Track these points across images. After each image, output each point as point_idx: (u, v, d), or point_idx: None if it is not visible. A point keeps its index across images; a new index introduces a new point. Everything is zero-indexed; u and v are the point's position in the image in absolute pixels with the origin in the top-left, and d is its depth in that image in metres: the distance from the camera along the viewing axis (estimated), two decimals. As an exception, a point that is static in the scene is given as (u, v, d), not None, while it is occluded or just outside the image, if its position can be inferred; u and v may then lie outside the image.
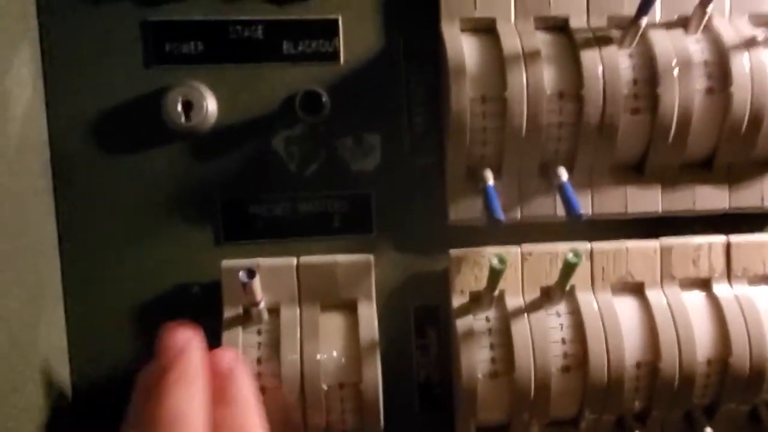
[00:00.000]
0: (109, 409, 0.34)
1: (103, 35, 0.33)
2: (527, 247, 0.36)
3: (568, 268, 0.33)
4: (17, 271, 0.30)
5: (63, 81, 0.33)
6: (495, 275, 0.33)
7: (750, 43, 0.35)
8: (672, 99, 0.34)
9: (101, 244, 0.34)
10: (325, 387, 0.33)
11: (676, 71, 0.34)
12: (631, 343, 0.36)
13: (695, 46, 0.35)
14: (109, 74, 0.33)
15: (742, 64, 0.34)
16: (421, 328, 0.37)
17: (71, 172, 0.34)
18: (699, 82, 0.34)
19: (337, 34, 0.35)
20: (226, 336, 0.34)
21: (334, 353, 0.34)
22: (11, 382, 0.29)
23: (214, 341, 0.34)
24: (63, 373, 0.34)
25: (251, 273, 0.31)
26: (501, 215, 0.33)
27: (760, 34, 0.35)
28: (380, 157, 0.36)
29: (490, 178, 0.34)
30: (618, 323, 0.35)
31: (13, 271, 0.30)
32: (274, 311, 0.35)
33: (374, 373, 0.34)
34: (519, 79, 0.33)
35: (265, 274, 0.34)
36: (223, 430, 0.28)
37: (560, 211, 0.36)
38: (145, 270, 0.35)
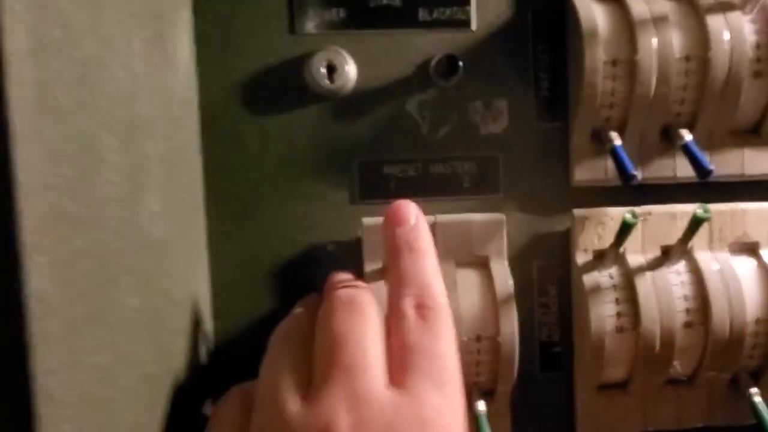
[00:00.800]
0: (247, 364, 0.36)
1: (252, 3, 0.35)
2: (647, 208, 0.38)
3: (697, 223, 0.34)
4: (180, 226, 0.32)
5: (213, 45, 0.35)
6: (626, 228, 0.34)
7: None
8: (795, 62, 0.35)
9: (243, 201, 0.36)
10: (465, 339, 0.35)
11: (799, 35, 0.35)
12: (750, 300, 0.37)
13: (814, 12, 0.37)
14: (256, 39, 0.35)
15: None
16: (543, 287, 0.39)
17: (218, 131, 0.35)
18: (819, 46, 0.36)
19: (469, 2, 0.36)
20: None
21: (473, 307, 0.35)
22: (175, 327, 0.31)
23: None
24: (208, 326, 0.36)
25: None
26: (634, 172, 0.34)
27: None
28: (508, 120, 0.37)
29: (617, 138, 0.36)
30: (738, 280, 0.37)
31: (178, 225, 0.31)
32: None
33: (512, 326, 0.35)
34: (649, 43, 0.35)
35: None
36: (406, 274, 0.30)
37: (679, 172, 0.38)
38: (285, 228, 0.36)
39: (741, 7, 0.36)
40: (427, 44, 0.36)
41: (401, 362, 0.28)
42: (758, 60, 0.36)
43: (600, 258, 0.37)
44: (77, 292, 0.21)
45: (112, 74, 0.24)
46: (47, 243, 0.19)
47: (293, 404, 0.26)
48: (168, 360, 0.29)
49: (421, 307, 0.29)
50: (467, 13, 0.36)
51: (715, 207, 0.38)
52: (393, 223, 0.32)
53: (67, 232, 0.20)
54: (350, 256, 0.36)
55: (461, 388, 0.28)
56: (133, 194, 0.25)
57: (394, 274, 0.31)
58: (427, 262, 0.31)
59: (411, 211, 0.32)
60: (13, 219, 0.17)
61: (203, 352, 0.35)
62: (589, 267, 0.37)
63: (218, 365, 0.36)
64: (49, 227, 0.19)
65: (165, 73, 0.30)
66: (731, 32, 0.35)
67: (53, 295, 0.19)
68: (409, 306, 0.29)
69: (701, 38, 0.35)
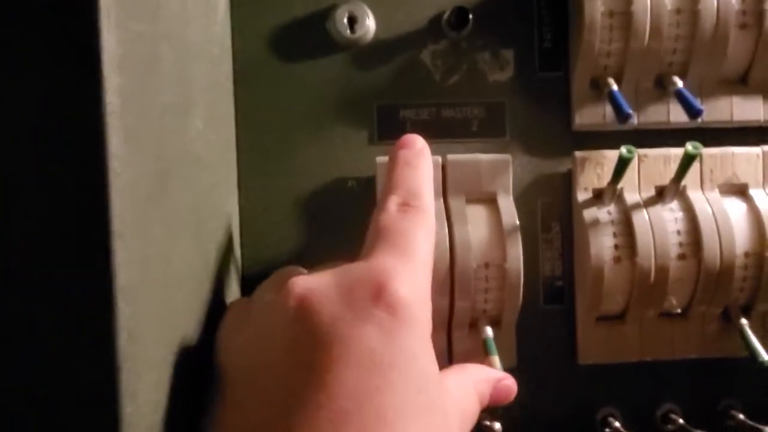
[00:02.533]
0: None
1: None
2: (643, 150, 0.41)
3: (688, 159, 0.37)
4: (217, 151, 0.35)
5: (244, 3, 0.39)
6: (623, 164, 0.37)
7: None
8: (777, 14, 0.39)
9: (271, 140, 0.39)
10: (474, 265, 0.38)
11: (779, -10, 0.39)
12: (739, 236, 0.40)
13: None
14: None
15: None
16: (546, 224, 0.42)
17: (249, 76, 0.39)
18: (800, 0, 0.39)
19: (478, -41, 0.40)
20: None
21: (481, 238, 0.38)
22: (216, 239, 0.34)
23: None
24: (237, 253, 0.39)
25: None
26: (630, 111, 0.37)
27: None
28: (514, 69, 0.40)
29: (614, 84, 0.39)
30: (727, 216, 0.40)
31: (216, 149, 0.35)
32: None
33: (517, 254, 0.38)
34: (642, -5, 0.38)
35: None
36: (398, 180, 0.32)
37: (673, 117, 0.41)
38: (308, 165, 0.40)
39: (728, -36, 0.39)
40: (439, -2, 0.40)
41: (372, 242, 0.29)
42: (744, 12, 0.39)
43: (599, 196, 0.40)
44: (146, 187, 0.24)
45: (170, 6, 0.27)
46: (119, 130, 0.22)
47: None
48: (208, 266, 0.33)
49: (405, 205, 0.30)
50: (477, -29, 0.40)
51: (706, 151, 0.41)
52: (398, 146, 0.34)
53: (135, 127, 0.23)
54: (368, 191, 0.40)
55: (429, 278, 0.29)
56: (185, 107, 0.29)
57: (387, 182, 0.32)
58: (421, 174, 0.32)
59: (418, 140, 0.34)
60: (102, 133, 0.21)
61: (233, 276, 0.38)
62: (589, 204, 0.40)
63: (246, 290, 0.39)
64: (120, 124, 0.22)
65: (207, 13, 0.33)
66: (718, -15, 0.38)
67: (124, 167, 0.22)
68: (393, 203, 0.30)
69: (690, -8, 0.39)
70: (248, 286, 0.40)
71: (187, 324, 0.29)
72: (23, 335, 0.21)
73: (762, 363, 0.39)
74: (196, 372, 0.29)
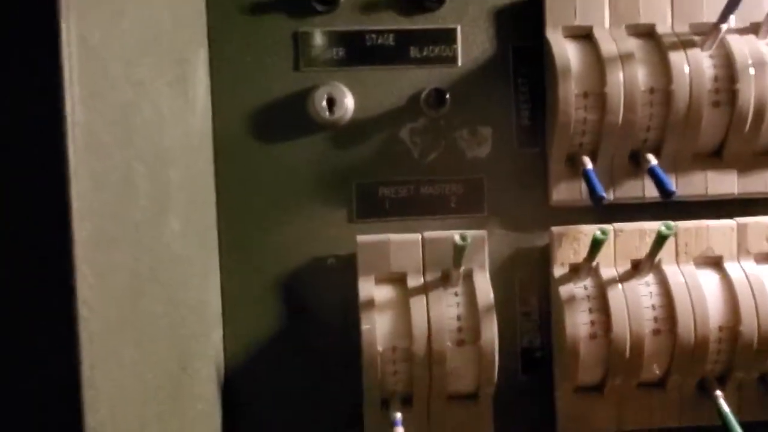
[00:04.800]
0: (257, 370, 0.40)
1: (260, 43, 0.39)
2: (618, 225, 0.41)
3: (661, 239, 0.38)
4: (196, 242, 0.36)
5: (226, 81, 0.39)
6: (597, 245, 0.38)
7: (815, 46, 0.40)
8: (749, 93, 0.39)
9: (252, 220, 0.40)
10: (449, 344, 0.38)
11: (751, 70, 0.39)
12: (713, 310, 0.40)
13: (767, 48, 0.40)
14: (263, 75, 0.39)
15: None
16: (524, 298, 0.42)
17: (230, 157, 0.40)
18: (771, 79, 0.40)
19: (455, 41, 0.40)
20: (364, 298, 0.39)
21: (457, 315, 0.39)
22: (192, 332, 0.35)
23: (348, 304, 0.40)
24: (218, 332, 0.39)
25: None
26: (603, 193, 0.38)
27: (823, 37, 0.40)
28: (491, 146, 0.41)
29: (589, 163, 0.40)
30: (702, 291, 0.40)
31: (194, 242, 0.35)
32: (401, 280, 0.40)
33: (492, 332, 0.39)
34: (617, 77, 0.39)
35: (395, 247, 0.40)
36: None
37: (648, 192, 0.41)
38: (288, 244, 0.40)
39: (700, 45, 0.40)
40: (418, 78, 0.40)
41: None
42: (716, 91, 0.39)
43: (576, 271, 0.41)
44: (114, 298, 0.25)
45: (143, 114, 0.28)
46: (92, 257, 0.23)
47: None
48: (185, 359, 0.33)
49: None
50: (454, 51, 0.40)
51: (681, 224, 0.42)
52: None
53: (108, 248, 0.24)
54: (348, 269, 0.40)
55: None
56: (159, 216, 0.29)
57: None
58: None
59: None
60: (68, 237, 0.21)
61: (214, 354, 0.39)
62: (566, 279, 0.41)
63: (229, 367, 0.40)
64: (93, 244, 0.23)
65: (185, 109, 0.34)
66: (691, 67, 0.39)
67: (95, 301, 0.23)
68: None
69: (664, 72, 0.39)
70: (230, 366, 0.40)
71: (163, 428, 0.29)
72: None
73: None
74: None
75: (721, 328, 0.40)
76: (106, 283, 0.24)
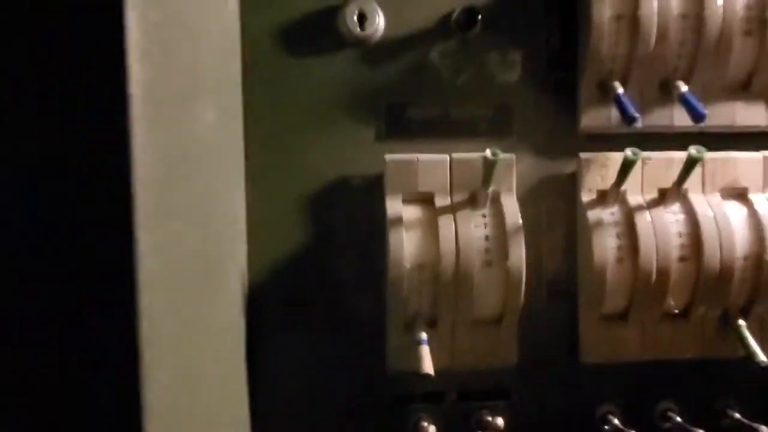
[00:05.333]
0: (279, 291, 0.39)
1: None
2: (646, 153, 0.41)
3: (692, 163, 0.38)
4: (226, 152, 0.35)
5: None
6: (627, 166, 0.38)
7: None
8: (780, 22, 0.39)
9: (279, 137, 0.39)
10: (477, 264, 0.38)
11: (784, -2, 0.39)
12: (738, 239, 0.40)
13: (799, -22, 0.40)
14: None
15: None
16: (551, 224, 0.42)
17: (258, 71, 0.39)
18: (803, 9, 0.40)
19: (489, -38, 0.40)
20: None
21: (485, 236, 0.39)
22: (227, 240, 0.34)
23: (373, 227, 0.39)
24: (243, 248, 0.39)
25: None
26: (635, 114, 0.38)
27: None
28: (521, 70, 0.41)
29: (620, 87, 0.39)
30: (728, 220, 0.40)
31: (225, 151, 0.35)
32: (428, 200, 0.40)
33: (519, 253, 0.38)
34: (650, 1, 0.39)
35: (423, 167, 0.39)
36: None
37: (677, 121, 0.41)
38: (316, 162, 0.40)
39: (734, -28, 0.40)
40: (449, -1, 0.40)
41: None
42: (748, 19, 0.39)
43: (603, 197, 0.41)
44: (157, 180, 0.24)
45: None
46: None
47: None
48: (216, 264, 0.33)
49: None
50: (487, -30, 0.40)
51: (708, 155, 0.41)
52: None
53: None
54: (375, 189, 0.40)
55: None
56: (195, 98, 0.29)
57: None
58: None
59: None
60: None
61: (240, 269, 0.38)
62: (593, 205, 0.41)
63: (252, 285, 0.40)
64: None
65: (218, 6, 0.34)
66: (724, -8, 0.39)
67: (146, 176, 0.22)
68: None
69: (697, -1, 0.39)
70: (253, 282, 0.40)
71: (197, 312, 0.29)
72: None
73: (759, 363, 0.39)
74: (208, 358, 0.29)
75: (745, 258, 0.40)
76: (152, 148, 0.23)
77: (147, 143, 0.22)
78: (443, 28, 0.40)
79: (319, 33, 0.39)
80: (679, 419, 0.43)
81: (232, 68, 0.37)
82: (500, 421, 0.41)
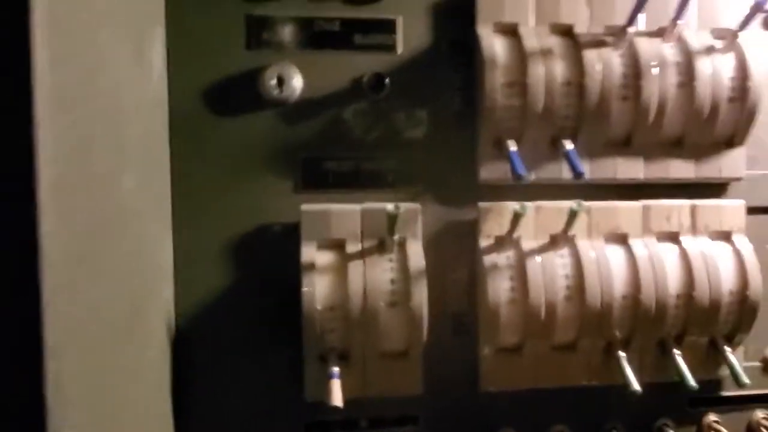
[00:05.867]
0: (206, 328, 0.43)
1: (215, 23, 0.42)
2: (539, 203, 0.46)
3: (573, 215, 0.43)
4: (152, 204, 0.39)
5: (182, 57, 0.42)
6: (517, 218, 0.42)
7: (710, 50, 0.45)
8: (652, 89, 0.44)
9: (204, 187, 0.43)
10: (382, 304, 0.42)
11: (655, 68, 0.44)
12: (618, 280, 0.45)
13: (669, 50, 0.45)
14: (218, 54, 0.43)
15: (704, 65, 0.45)
16: (454, 267, 0.46)
17: (184, 128, 0.43)
18: (672, 78, 0.45)
19: (396, 30, 0.44)
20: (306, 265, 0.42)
21: (390, 279, 0.43)
22: (151, 283, 0.38)
23: (291, 268, 0.43)
24: (170, 292, 0.42)
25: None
26: (524, 171, 0.42)
27: (718, 43, 0.46)
28: (427, 128, 0.45)
29: (513, 146, 0.44)
30: (608, 263, 0.45)
31: (150, 203, 0.38)
32: (340, 246, 0.44)
33: (421, 295, 0.43)
34: (538, 70, 0.43)
35: (336, 216, 0.43)
36: None
37: (566, 174, 0.46)
38: (238, 212, 0.44)
39: (612, 45, 0.45)
40: (361, 64, 0.44)
41: None
42: (625, 86, 0.45)
43: (500, 243, 0.46)
44: (74, 235, 0.27)
45: (105, 76, 0.31)
46: (54, 198, 0.26)
47: None
48: (138, 306, 0.36)
49: None
50: (394, 40, 0.44)
51: (594, 204, 0.47)
52: None
53: (69, 192, 0.27)
54: (292, 237, 0.44)
55: None
56: (116, 170, 0.32)
57: None
58: None
59: None
60: (34, 179, 0.24)
61: (165, 309, 0.42)
62: (490, 250, 0.45)
63: (179, 324, 0.43)
64: (56, 188, 0.26)
65: (142, 77, 0.37)
66: (603, 64, 0.44)
67: (56, 236, 0.26)
68: None
69: (579, 68, 0.44)
70: (180, 323, 0.43)
71: (114, 375, 0.32)
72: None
73: (634, 392, 0.44)
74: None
75: (624, 297, 0.45)
76: (66, 223, 0.26)
77: (59, 224, 0.25)
78: (355, 90, 0.44)
79: (241, 94, 0.43)
80: (570, 440, 0.48)
81: (159, 130, 0.40)
82: (407, 445, 0.45)
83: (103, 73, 0.31)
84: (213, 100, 0.43)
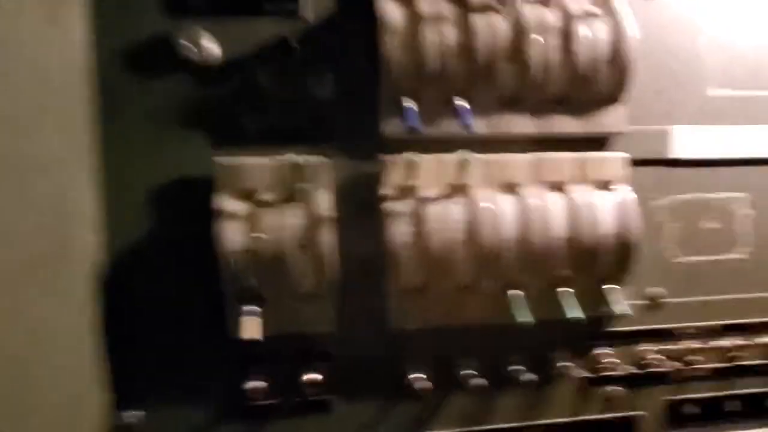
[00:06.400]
0: (132, 275, 0.47)
1: (134, -8, 0.46)
2: (438, 155, 0.50)
3: (462, 164, 0.47)
4: (76, 154, 0.42)
5: (103, 23, 0.46)
6: (412, 169, 0.47)
7: (588, 15, 0.50)
8: (535, 51, 0.49)
9: (127, 143, 0.47)
10: (291, 248, 0.46)
11: (538, 32, 0.49)
12: (509, 225, 0.50)
13: (551, 15, 0.50)
14: (137, 19, 0.46)
15: (582, 29, 0.50)
16: (363, 215, 0.51)
17: (108, 88, 0.46)
18: (554, 41, 0.50)
19: (303, -2, 0.49)
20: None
21: (301, 225, 0.47)
22: (75, 227, 0.41)
23: (210, 218, 0.47)
24: (92, 237, 0.46)
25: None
26: (416, 124, 0.47)
27: (595, 9, 0.51)
28: (335, 87, 0.49)
29: (409, 103, 0.48)
30: (501, 210, 0.50)
31: (75, 153, 0.42)
32: (253, 195, 0.48)
33: (330, 239, 0.47)
34: (430, 34, 0.48)
35: (249, 168, 0.47)
36: None
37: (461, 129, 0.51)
38: (160, 165, 0.47)
39: (499, 11, 0.49)
40: (270, 29, 0.48)
41: None
42: (511, 49, 0.49)
43: (402, 192, 0.50)
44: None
45: (15, 41, 0.34)
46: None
47: None
48: (64, 247, 0.40)
49: None
50: (301, 6, 0.48)
51: (487, 156, 0.52)
52: None
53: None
54: (211, 189, 0.48)
55: None
56: (38, 118, 0.36)
57: None
58: None
59: None
60: None
61: (90, 253, 0.45)
62: (393, 198, 0.50)
63: (105, 270, 0.47)
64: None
65: (63, 41, 0.40)
66: (489, 28, 0.48)
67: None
68: None
69: (469, 32, 0.48)
70: (108, 268, 0.47)
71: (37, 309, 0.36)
72: None
73: (521, 324, 0.49)
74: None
75: (515, 240, 0.50)
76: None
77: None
78: (267, 53, 0.48)
79: (160, 57, 0.47)
80: (474, 372, 0.53)
81: (80, 87, 0.44)
82: (319, 377, 0.50)
83: (16, 33, 0.34)
84: (134, 61, 0.46)
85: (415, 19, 0.48)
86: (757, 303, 0.59)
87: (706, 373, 0.58)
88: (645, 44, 0.54)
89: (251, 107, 0.48)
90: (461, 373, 0.53)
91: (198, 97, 0.48)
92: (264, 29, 0.48)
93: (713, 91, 0.57)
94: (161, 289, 0.48)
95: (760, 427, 0.60)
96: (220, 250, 0.46)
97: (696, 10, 0.56)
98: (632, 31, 0.51)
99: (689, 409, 0.59)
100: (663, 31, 0.55)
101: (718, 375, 0.58)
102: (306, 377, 0.50)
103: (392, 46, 0.47)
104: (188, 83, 0.47)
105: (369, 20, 0.49)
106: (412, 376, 0.52)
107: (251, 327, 0.46)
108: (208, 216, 0.47)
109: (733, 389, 0.59)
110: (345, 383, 0.51)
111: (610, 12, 0.51)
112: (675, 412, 0.59)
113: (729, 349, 0.59)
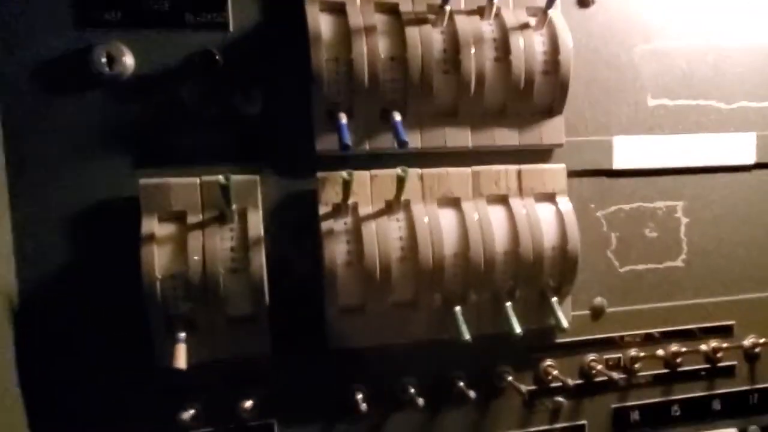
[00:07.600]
0: (50, 302, 0.44)
1: (43, 3, 0.43)
2: (375, 171, 0.49)
3: (400, 181, 0.46)
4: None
5: (10, 39, 0.43)
6: (347, 186, 0.45)
7: (525, 27, 0.50)
8: (470, 63, 0.48)
9: (41, 166, 0.44)
10: (222, 271, 0.44)
11: (473, 44, 0.48)
12: (449, 240, 0.49)
13: (487, 27, 0.49)
14: (46, 33, 0.43)
15: (518, 41, 0.49)
16: (299, 233, 0.49)
17: (17, 108, 0.43)
18: (489, 53, 0.49)
19: (226, 8, 0.46)
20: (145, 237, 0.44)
21: (231, 247, 0.45)
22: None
23: (132, 243, 0.44)
24: (11, 271, 0.43)
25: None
26: (349, 141, 0.45)
27: (532, 21, 0.50)
28: (262, 103, 0.47)
29: (343, 118, 0.47)
30: (440, 225, 0.49)
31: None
32: (182, 217, 0.45)
33: (260, 261, 0.45)
34: (361, 46, 0.46)
35: (175, 189, 0.45)
36: None
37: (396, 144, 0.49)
38: (76, 188, 0.45)
39: (433, 22, 0.48)
40: (193, 41, 0.46)
41: None
42: (445, 61, 0.48)
43: (338, 209, 0.49)
44: None
45: None
46: None
47: None
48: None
49: None
50: (225, 18, 0.46)
51: (426, 171, 0.51)
52: None
53: None
54: (134, 211, 0.45)
55: None
56: None
57: None
58: None
59: None
60: None
61: (6, 285, 0.42)
62: (329, 216, 0.48)
63: (21, 301, 0.44)
64: None
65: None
66: (423, 40, 0.47)
67: None
68: None
69: (402, 44, 0.47)
70: (23, 300, 0.44)
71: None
72: None
73: (464, 341, 0.48)
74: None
75: (455, 255, 0.49)
76: None
77: None
78: (189, 68, 0.46)
79: (72, 73, 0.44)
80: (413, 390, 0.52)
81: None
82: (257, 402, 0.48)
83: None
84: (44, 79, 0.43)
85: (346, 30, 0.47)
86: (694, 309, 0.59)
87: (648, 380, 0.59)
88: (582, 56, 0.54)
89: (175, 125, 0.46)
90: (404, 391, 0.52)
91: (114, 114, 0.45)
92: (186, 42, 0.45)
93: (650, 101, 0.57)
94: (81, 322, 0.45)
95: (703, 431, 0.61)
96: (145, 277, 0.44)
97: (631, 21, 0.56)
98: (569, 42, 0.50)
99: (635, 416, 0.60)
100: (599, 42, 0.55)
101: (659, 381, 0.59)
102: (244, 403, 0.48)
103: (322, 59, 0.46)
104: (102, 100, 0.45)
105: (298, 32, 0.47)
106: (353, 396, 0.51)
107: (181, 355, 0.44)
108: (130, 240, 0.45)
109: (675, 394, 0.60)
110: (285, 407, 0.50)
111: (546, 24, 0.50)
112: (620, 420, 0.59)
113: (672, 355, 0.59)
